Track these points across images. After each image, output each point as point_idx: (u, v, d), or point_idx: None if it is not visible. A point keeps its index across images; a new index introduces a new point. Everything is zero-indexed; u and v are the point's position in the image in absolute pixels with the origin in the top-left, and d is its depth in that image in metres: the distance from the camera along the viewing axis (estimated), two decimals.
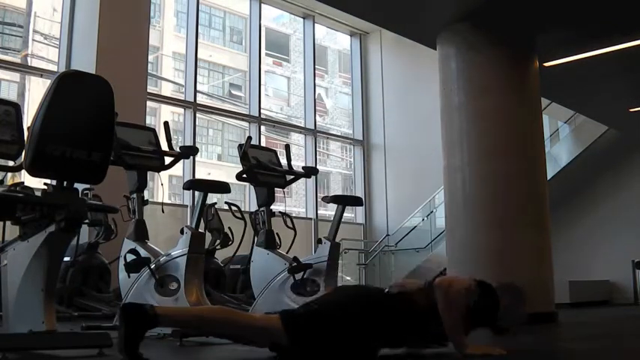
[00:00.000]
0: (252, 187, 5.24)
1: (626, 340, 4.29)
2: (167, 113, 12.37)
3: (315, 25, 12.99)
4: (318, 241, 4.86)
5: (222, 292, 6.41)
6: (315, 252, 4.87)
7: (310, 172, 5.23)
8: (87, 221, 5.95)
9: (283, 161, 5.09)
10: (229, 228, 6.53)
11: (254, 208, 5.09)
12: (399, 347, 2.95)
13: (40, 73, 9.13)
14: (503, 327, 3.00)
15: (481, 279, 3.01)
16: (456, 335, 2.78)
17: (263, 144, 11.31)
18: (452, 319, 2.76)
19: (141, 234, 4.23)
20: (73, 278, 6.32)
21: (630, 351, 3.52)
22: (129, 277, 4.10)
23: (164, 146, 4.32)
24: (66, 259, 5.40)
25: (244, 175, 4.78)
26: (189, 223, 4.22)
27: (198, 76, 10.94)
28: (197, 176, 9.60)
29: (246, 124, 11.93)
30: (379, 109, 13.46)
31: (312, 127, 12.60)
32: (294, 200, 14.62)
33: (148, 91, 9.69)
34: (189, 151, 4.51)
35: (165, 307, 2.93)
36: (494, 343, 2.95)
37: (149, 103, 9.86)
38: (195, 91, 10.60)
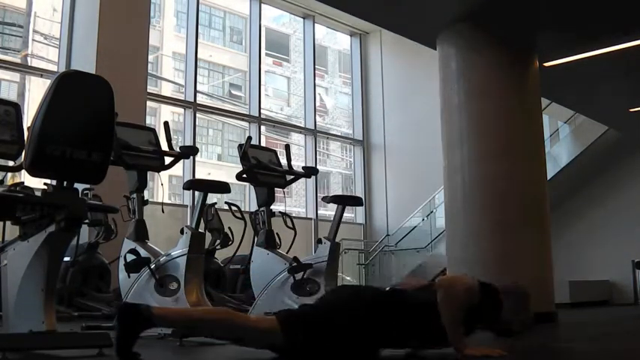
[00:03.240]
0: (252, 187, 5.24)
1: (626, 340, 4.29)
2: (167, 113, 12.37)
3: (315, 25, 13.00)
4: (318, 241, 4.87)
5: (222, 292, 6.42)
6: (315, 252, 4.87)
7: (310, 172, 5.23)
8: (87, 221, 5.96)
9: (283, 161, 5.09)
10: (229, 228, 6.53)
11: (254, 208, 5.09)
12: (400, 348, 2.94)
13: (40, 73, 9.13)
14: (506, 329, 2.99)
15: (484, 280, 3.00)
16: (455, 335, 2.78)
17: (263, 144, 11.31)
18: (452, 319, 2.75)
19: (141, 234, 4.23)
20: (73, 278, 6.32)
21: (630, 351, 3.52)
22: (129, 277, 4.10)
23: (164, 146, 4.32)
24: (66, 259, 5.38)
25: (244, 175, 4.78)
26: (189, 223, 4.22)
27: (198, 76, 10.94)
28: (197, 176, 9.61)
29: (246, 124, 11.94)
30: (379, 109, 13.46)
31: (312, 127, 12.61)
32: (294, 200, 14.63)
33: (148, 91, 9.70)
34: (189, 151, 4.51)
35: (162, 308, 2.93)
36: (493, 345, 2.94)
37: (149, 103, 9.87)
38: (195, 91, 10.61)
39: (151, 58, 11.28)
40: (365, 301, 2.78)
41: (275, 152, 5.09)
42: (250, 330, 2.67)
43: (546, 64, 7.08)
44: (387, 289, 2.92)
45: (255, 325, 2.72)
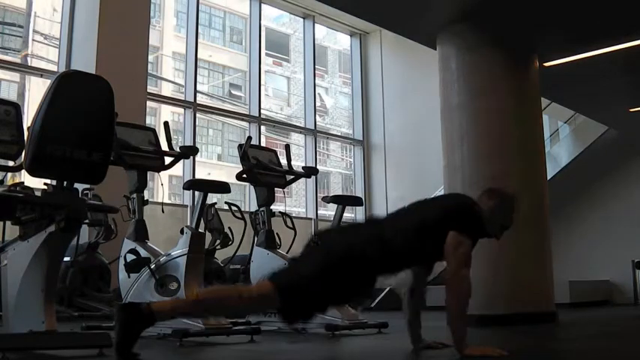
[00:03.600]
0: (252, 187, 5.24)
1: (626, 340, 4.29)
2: (167, 113, 12.36)
3: (315, 25, 12.99)
4: None
5: None
6: None
7: (310, 172, 5.24)
8: (87, 221, 5.96)
9: (283, 161, 5.10)
10: (229, 228, 6.52)
11: (254, 208, 5.09)
12: (395, 274, 3.03)
13: (40, 73, 9.13)
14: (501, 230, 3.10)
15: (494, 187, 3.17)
16: (457, 335, 2.78)
17: (263, 144, 11.30)
18: (457, 319, 2.78)
19: (141, 234, 4.23)
20: (73, 278, 6.32)
21: (630, 351, 3.52)
22: (129, 277, 4.10)
23: (164, 146, 4.32)
24: (66, 259, 5.40)
25: (244, 175, 4.78)
26: (189, 223, 4.22)
27: (198, 76, 10.93)
28: (197, 176, 9.60)
29: (246, 124, 11.93)
30: (379, 109, 13.45)
31: (312, 127, 12.60)
32: (294, 200, 14.62)
33: (148, 91, 9.69)
34: (189, 151, 4.52)
35: (160, 302, 2.93)
36: (493, 345, 2.95)
37: (149, 103, 9.86)
38: (195, 91, 10.60)
39: (151, 58, 11.28)
40: (354, 254, 2.83)
41: (275, 152, 5.09)
42: (248, 299, 2.74)
43: (546, 64, 7.08)
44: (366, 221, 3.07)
45: (251, 295, 2.78)
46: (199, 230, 4.18)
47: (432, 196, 3.31)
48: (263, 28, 12.69)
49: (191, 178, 9.16)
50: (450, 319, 2.80)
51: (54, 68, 9.12)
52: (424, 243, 2.87)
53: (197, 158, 10.01)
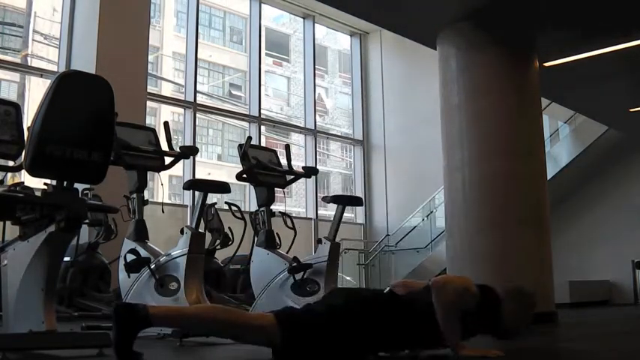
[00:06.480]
0: (252, 187, 5.24)
1: (626, 340, 4.29)
2: (167, 113, 12.37)
3: (315, 25, 12.99)
4: (318, 241, 4.86)
5: (222, 292, 6.41)
6: (315, 252, 4.87)
7: (310, 172, 5.23)
8: (87, 221, 5.96)
9: (283, 161, 5.09)
10: (229, 228, 6.53)
11: (254, 208, 5.09)
12: (399, 350, 2.93)
13: (40, 73, 9.13)
14: (506, 332, 2.98)
15: (484, 283, 2.99)
16: (451, 335, 2.77)
17: (263, 144, 11.31)
18: (446, 318, 2.75)
19: (141, 234, 4.23)
20: (73, 278, 6.32)
21: (630, 351, 3.52)
22: (129, 277, 4.10)
23: (164, 146, 4.32)
24: (66, 259, 5.40)
25: (244, 175, 4.78)
26: (189, 223, 4.22)
27: (198, 76, 10.94)
28: (197, 176, 9.60)
29: (246, 124, 11.94)
30: (379, 109, 13.46)
31: (312, 127, 12.60)
32: (294, 200, 14.62)
33: (148, 91, 9.69)
34: (189, 151, 4.51)
35: (159, 307, 2.91)
36: (492, 345, 2.94)
37: (149, 103, 9.87)
38: (195, 91, 10.61)
39: (151, 58, 11.28)
40: (363, 305, 2.77)
41: (275, 152, 5.09)
42: (248, 327, 2.64)
43: (546, 64, 7.08)
44: (385, 291, 2.92)
45: (252, 322, 2.69)
46: (199, 230, 4.17)
47: None
48: (263, 28, 12.70)
49: (191, 178, 9.16)
50: (440, 321, 2.76)
51: (54, 68, 9.13)
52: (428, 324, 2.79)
53: (197, 158, 10.02)
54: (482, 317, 2.85)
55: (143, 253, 4.08)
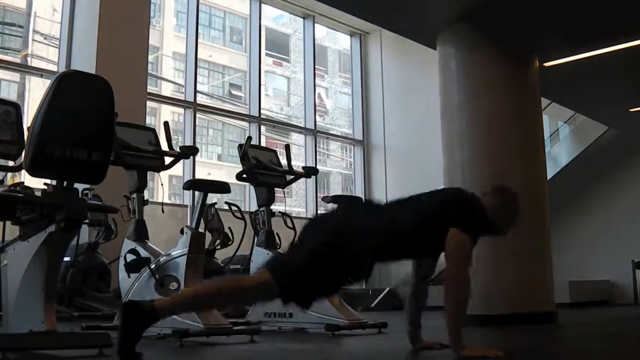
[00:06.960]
0: (252, 187, 5.24)
1: (625, 340, 4.29)
2: (167, 113, 12.36)
3: (315, 25, 12.99)
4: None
5: None
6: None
7: (310, 172, 5.24)
8: (87, 221, 5.96)
9: (283, 161, 5.10)
10: (229, 228, 6.53)
11: (254, 208, 5.09)
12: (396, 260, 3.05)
13: (40, 73, 9.13)
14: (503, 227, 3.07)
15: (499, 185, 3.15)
16: (454, 335, 2.78)
17: (263, 144, 11.30)
18: (455, 319, 2.77)
19: (141, 234, 4.23)
20: (73, 278, 6.33)
21: (630, 351, 3.52)
22: (129, 277, 4.10)
23: (164, 146, 4.32)
24: (66, 259, 5.41)
25: (244, 175, 4.78)
26: (189, 223, 4.22)
27: (198, 76, 10.93)
28: (197, 176, 9.60)
29: (246, 124, 11.93)
30: (379, 109, 13.45)
31: (312, 127, 12.60)
32: (294, 200, 14.61)
33: (148, 91, 9.69)
34: (189, 151, 4.52)
35: (162, 299, 2.93)
36: (492, 345, 2.95)
37: (149, 103, 9.86)
38: (195, 91, 10.60)
39: (151, 58, 11.28)
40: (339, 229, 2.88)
41: (275, 152, 5.09)
42: (247, 289, 2.76)
43: (546, 64, 7.08)
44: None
45: (251, 282, 2.79)
46: (199, 230, 4.17)
47: (437, 189, 3.28)
48: (263, 28, 12.69)
49: (191, 178, 9.16)
50: (447, 319, 2.79)
51: (54, 68, 9.12)
52: (423, 234, 2.87)
53: (197, 158, 10.00)
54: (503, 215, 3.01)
55: (143, 253, 4.08)
